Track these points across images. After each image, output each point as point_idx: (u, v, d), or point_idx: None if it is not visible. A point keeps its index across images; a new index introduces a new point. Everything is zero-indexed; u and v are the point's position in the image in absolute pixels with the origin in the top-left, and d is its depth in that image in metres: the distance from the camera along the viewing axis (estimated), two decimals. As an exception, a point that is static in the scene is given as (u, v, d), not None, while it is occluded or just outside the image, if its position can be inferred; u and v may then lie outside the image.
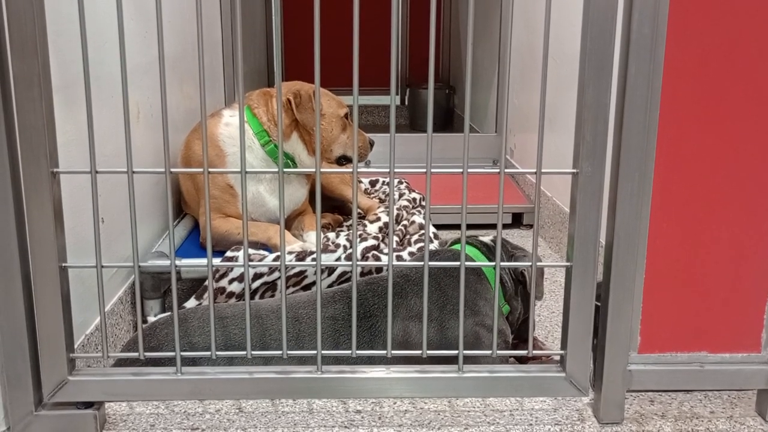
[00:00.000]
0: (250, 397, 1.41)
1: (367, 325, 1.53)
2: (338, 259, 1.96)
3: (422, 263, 1.28)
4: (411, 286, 1.57)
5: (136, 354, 1.30)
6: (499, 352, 1.35)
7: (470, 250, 1.68)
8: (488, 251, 1.69)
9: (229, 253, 1.98)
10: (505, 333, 1.61)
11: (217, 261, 1.90)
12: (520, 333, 1.72)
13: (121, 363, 1.51)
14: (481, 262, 1.65)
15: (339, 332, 1.52)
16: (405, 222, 2.33)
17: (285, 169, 1.25)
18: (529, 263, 1.32)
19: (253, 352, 1.31)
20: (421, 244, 2.14)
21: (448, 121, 4.37)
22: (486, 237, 1.75)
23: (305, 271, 1.91)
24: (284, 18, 4.75)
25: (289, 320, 1.51)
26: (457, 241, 1.73)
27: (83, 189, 1.55)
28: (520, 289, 1.66)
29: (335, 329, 1.52)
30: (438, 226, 2.54)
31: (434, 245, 2.15)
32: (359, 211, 2.49)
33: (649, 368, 1.36)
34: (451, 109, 4.42)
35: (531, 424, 1.37)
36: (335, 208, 2.54)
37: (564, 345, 1.32)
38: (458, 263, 1.29)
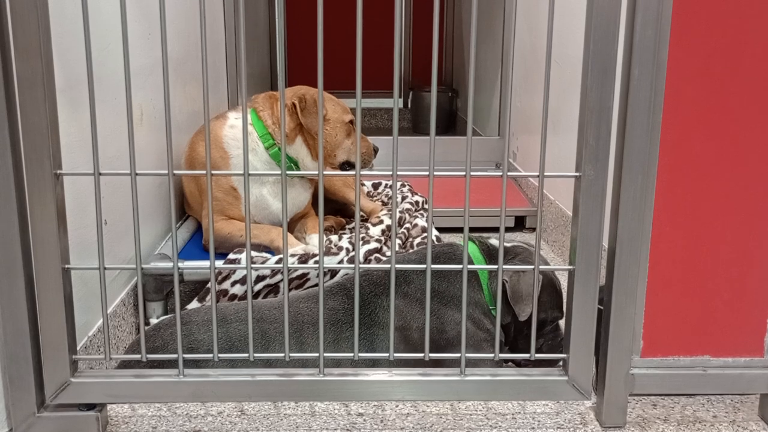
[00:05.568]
0: (252, 400, 1.41)
1: (367, 312, 1.55)
2: (341, 262, 1.96)
3: (424, 266, 1.28)
4: (398, 272, 1.58)
5: (138, 356, 1.30)
6: (501, 355, 1.34)
7: (470, 248, 1.66)
8: (488, 253, 1.66)
9: (231, 256, 1.98)
10: (491, 332, 1.59)
11: (219, 263, 1.90)
12: (517, 346, 1.68)
13: (125, 365, 1.51)
14: (482, 265, 1.64)
15: (341, 321, 1.54)
16: (408, 225, 2.33)
17: (288, 172, 1.25)
18: (532, 266, 1.32)
19: (255, 354, 1.31)
20: (424, 247, 2.13)
21: (451, 124, 4.37)
22: (494, 240, 1.71)
23: (307, 273, 1.91)
24: (287, 20, 4.76)
25: (291, 314, 1.52)
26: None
27: (86, 191, 1.55)
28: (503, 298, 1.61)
29: (336, 319, 1.55)
30: (441, 229, 2.53)
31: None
32: (362, 213, 2.48)
33: (651, 372, 1.36)
34: (454, 111, 4.42)
35: (533, 428, 1.37)
36: (338, 211, 2.54)
37: (566, 348, 1.32)
38: (460, 266, 1.29)
